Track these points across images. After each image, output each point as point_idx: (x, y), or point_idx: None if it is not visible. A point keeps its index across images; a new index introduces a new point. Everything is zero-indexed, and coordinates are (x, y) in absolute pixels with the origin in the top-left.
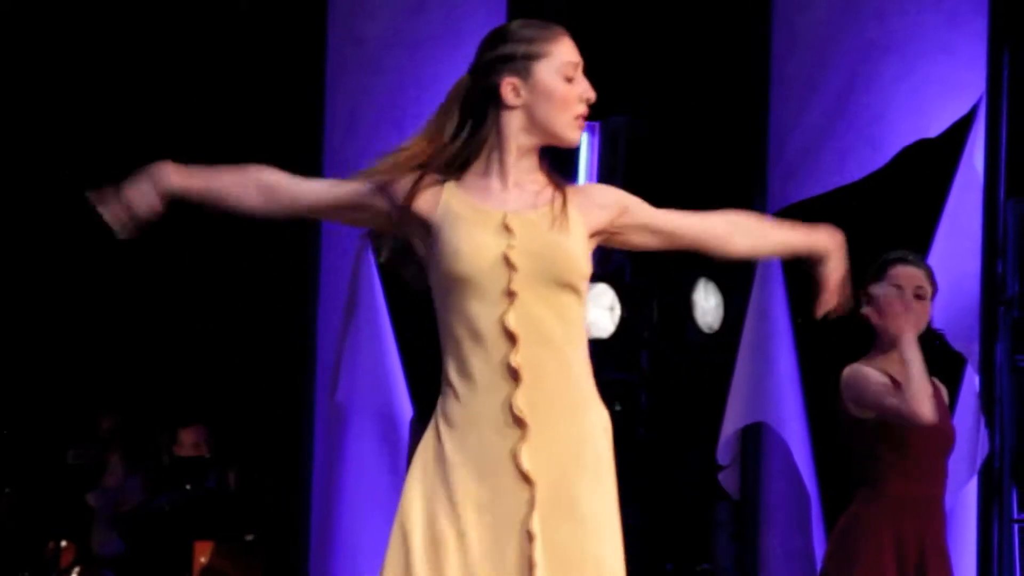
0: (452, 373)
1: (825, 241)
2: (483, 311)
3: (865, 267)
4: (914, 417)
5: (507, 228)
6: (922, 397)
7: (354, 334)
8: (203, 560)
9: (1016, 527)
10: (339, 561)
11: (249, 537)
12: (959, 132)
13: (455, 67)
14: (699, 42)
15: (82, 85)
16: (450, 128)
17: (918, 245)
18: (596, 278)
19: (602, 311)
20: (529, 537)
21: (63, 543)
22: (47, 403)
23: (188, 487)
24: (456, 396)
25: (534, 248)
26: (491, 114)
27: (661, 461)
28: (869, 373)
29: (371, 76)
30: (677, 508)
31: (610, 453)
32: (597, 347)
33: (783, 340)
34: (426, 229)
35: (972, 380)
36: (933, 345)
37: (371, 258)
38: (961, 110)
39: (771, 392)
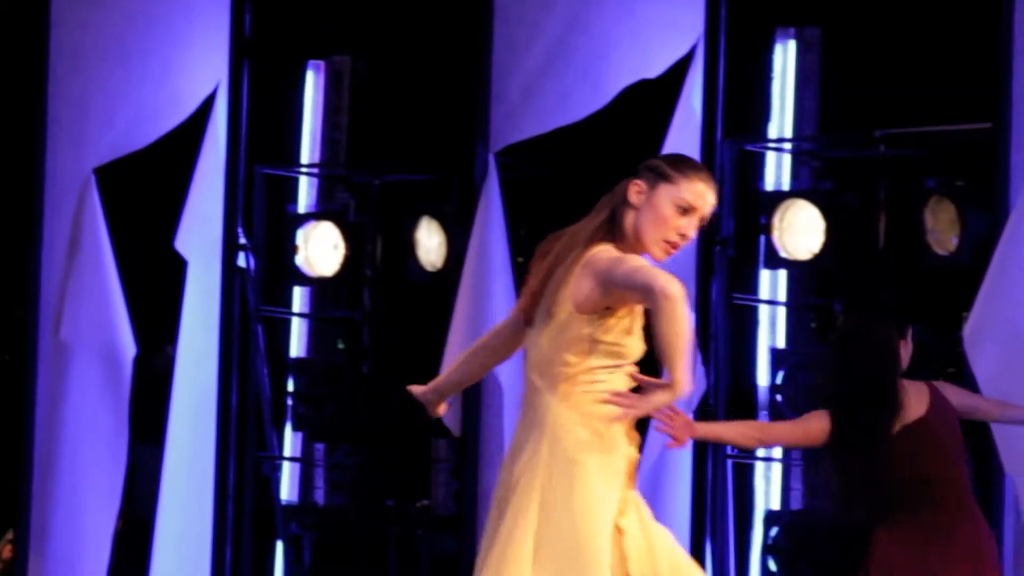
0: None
1: None
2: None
3: (580, 205)
4: None
5: None
6: None
7: (78, 272)
8: None
9: (730, 463)
10: (61, 497)
11: None
12: (678, 73)
13: (181, 3)
14: None
15: None
16: (604, 205)
17: None
18: (319, 216)
19: (325, 249)
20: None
21: None
22: None
23: None
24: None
25: None
26: (623, 204)
27: (383, 398)
28: None
29: (96, 11)
30: (398, 445)
31: None
32: (320, 285)
33: (503, 278)
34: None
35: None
36: None
37: (95, 196)
38: (680, 51)
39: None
